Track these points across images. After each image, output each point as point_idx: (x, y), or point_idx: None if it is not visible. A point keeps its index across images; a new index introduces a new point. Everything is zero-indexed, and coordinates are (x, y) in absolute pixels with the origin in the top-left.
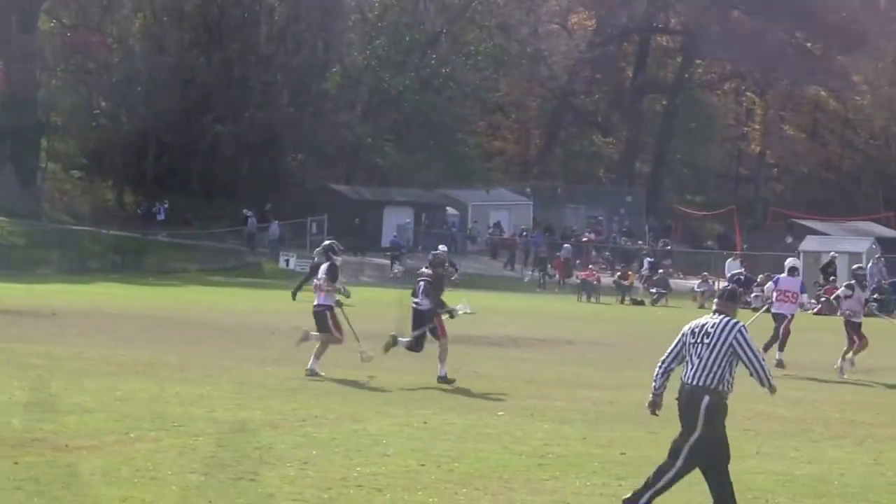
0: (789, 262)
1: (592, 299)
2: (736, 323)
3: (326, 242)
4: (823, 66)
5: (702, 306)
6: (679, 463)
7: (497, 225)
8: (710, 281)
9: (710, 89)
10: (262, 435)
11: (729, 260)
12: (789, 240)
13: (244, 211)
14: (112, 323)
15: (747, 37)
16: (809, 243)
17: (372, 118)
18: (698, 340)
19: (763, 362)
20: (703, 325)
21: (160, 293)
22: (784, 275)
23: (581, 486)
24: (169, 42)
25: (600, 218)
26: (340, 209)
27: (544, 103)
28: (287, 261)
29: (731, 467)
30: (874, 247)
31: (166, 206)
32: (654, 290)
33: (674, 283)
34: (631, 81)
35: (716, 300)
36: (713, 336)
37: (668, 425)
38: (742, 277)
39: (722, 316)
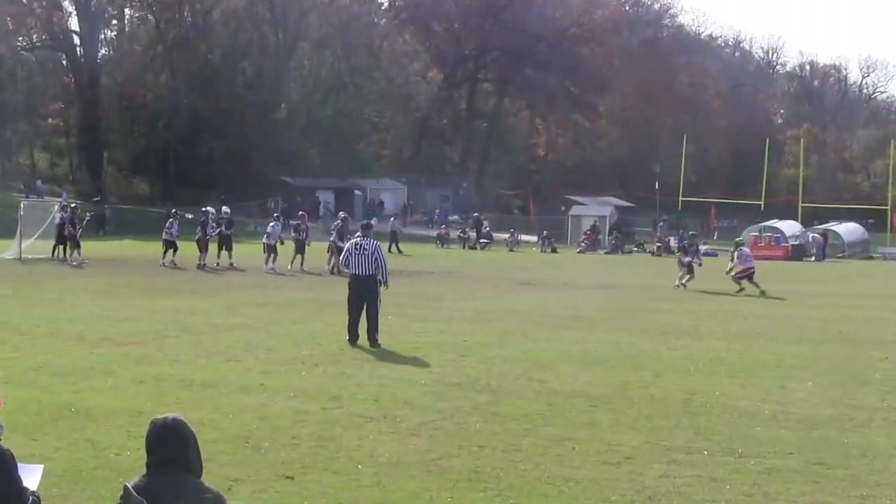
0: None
1: (446, 246)
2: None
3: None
4: (581, 102)
5: (511, 250)
6: None
7: (381, 204)
8: (516, 234)
9: (514, 116)
10: (237, 333)
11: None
12: (563, 208)
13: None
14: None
15: (535, 85)
16: (575, 210)
17: (307, 135)
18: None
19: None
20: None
21: None
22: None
23: (439, 360)
24: (185, 92)
25: (447, 195)
26: (289, 193)
27: (413, 125)
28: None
29: (527, 347)
30: (613, 211)
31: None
32: (482, 241)
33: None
34: (465, 112)
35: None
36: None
37: (492, 321)
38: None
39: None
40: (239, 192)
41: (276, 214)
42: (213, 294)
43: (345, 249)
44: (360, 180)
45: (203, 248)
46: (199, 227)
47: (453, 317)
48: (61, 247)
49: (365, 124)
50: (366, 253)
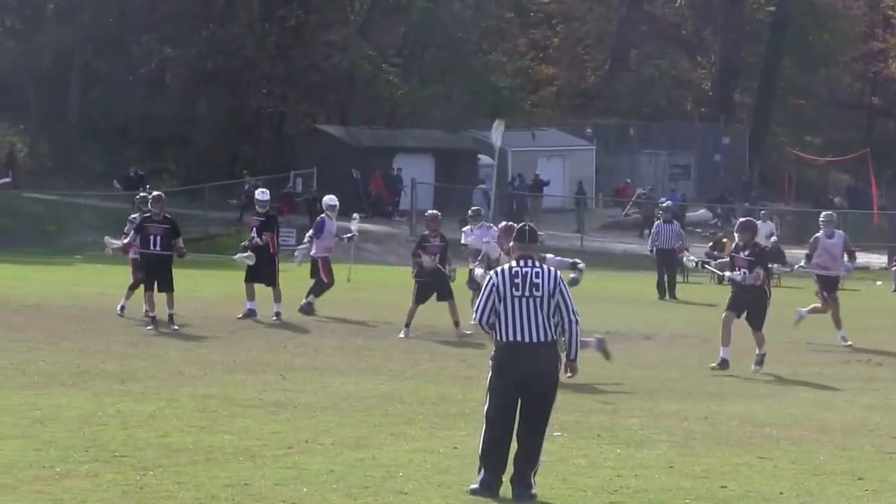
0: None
1: (686, 278)
2: None
3: None
4: None
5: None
6: None
7: (537, 181)
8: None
9: None
10: (234, 467)
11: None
12: None
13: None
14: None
15: None
16: None
17: (373, 36)
18: None
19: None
20: None
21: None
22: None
23: None
24: None
25: (687, 162)
26: (333, 159)
27: (609, 13)
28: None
29: None
30: None
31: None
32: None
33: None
34: None
35: None
36: None
37: (781, 446)
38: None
39: None
40: (221, 154)
41: (478, 209)
42: (170, 381)
43: (486, 286)
44: (487, 133)
45: (140, 281)
46: (128, 229)
47: (695, 435)
48: None
49: (502, 11)
50: (535, 296)
